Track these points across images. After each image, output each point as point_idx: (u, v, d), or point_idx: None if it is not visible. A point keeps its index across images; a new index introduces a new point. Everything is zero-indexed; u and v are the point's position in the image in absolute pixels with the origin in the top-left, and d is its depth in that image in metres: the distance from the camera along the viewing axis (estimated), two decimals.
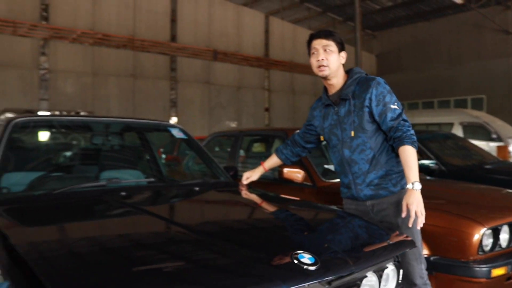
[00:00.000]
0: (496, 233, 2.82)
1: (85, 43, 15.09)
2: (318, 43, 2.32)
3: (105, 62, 15.59)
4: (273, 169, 4.15)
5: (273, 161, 2.86)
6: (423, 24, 21.58)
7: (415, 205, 2.03)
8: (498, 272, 2.73)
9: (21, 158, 2.83)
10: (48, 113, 13.91)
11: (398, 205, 2.25)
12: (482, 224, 2.73)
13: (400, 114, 2.23)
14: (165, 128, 3.43)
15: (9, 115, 12.00)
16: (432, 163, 5.32)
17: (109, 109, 15.50)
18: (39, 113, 13.53)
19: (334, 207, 2.57)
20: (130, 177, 2.96)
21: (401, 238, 1.94)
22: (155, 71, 16.86)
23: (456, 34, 20.36)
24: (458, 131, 11.66)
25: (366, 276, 1.71)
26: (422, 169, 5.12)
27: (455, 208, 3.00)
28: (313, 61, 2.35)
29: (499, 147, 9.57)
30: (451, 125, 12.03)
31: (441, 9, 20.23)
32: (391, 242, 1.86)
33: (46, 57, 14.61)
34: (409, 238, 1.97)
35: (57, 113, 13.67)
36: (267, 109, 20.44)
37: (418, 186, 2.07)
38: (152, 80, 16.74)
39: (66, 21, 14.71)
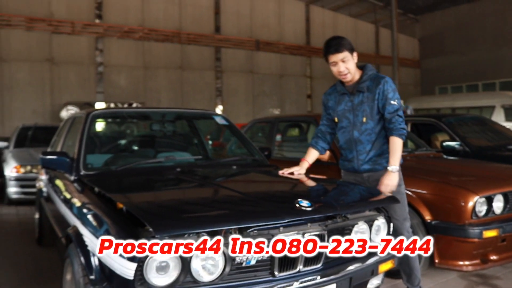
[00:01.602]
0: (489, 201, 3.31)
1: (134, 38, 16.10)
2: (335, 58, 2.82)
3: (155, 56, 16.62)
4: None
5: (313, 154, 3.14)
6: (466, 6, 21.19)
7: (389, 187, 2.66)
8: (489, 234, 3.22)
9: (97, 142, 3.59)
10: (103, 104, 15.04)
11: None
12: (475, 193, 3.23)
13: (396, 110, 2.76)
14: (210, 116, 4.11)
15: (71, 107, 13.17)
16: (457, 144, 5.66)
17: (159, 100, 16.53)
18: (97, 104, 14.68)
19: (341, 180, 3.13)
20: (182, 156, 3.68)
21: (385, 196, 2.51)
22: (201, 63, 17.72)
23: (501, 14, 19.87)
24: (499, 114, 11.67)
25: (357, 223, 2.30)
26: (448, 150, 5.53)
27: (455, 180, 3.51)
28: (334, 70, 2.88)
29: None
30: (492, 108, 12.02)
31: None
32: (376, 197, 2.45)
33: (100, 53, 15.73)
34: (391, 195, 2.54)
35: (112, 105, 14.76)
36: (309, 96, 20.86)
37: (395, 169, 2.68)
38: (198, 71, 17.61)
39: (118, 19, 15.80)
